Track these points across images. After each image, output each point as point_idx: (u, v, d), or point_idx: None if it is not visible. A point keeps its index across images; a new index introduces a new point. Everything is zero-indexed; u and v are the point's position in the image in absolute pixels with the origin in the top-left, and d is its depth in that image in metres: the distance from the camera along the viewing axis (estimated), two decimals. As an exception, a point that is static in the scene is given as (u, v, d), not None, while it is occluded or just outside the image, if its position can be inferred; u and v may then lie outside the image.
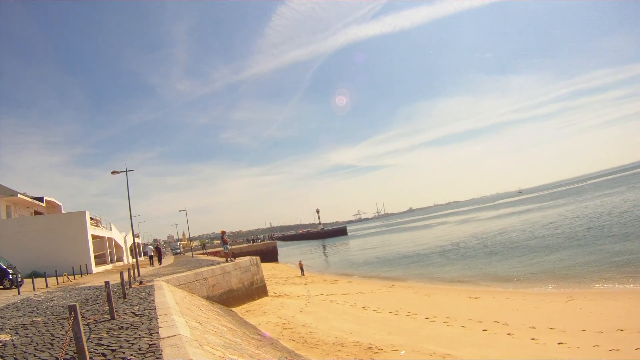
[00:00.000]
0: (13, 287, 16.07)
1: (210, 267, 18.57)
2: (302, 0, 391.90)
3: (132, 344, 5.70)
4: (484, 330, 13.18)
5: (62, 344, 5.60)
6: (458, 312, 16.03)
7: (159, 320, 7.42)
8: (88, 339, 6.28)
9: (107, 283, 7.95)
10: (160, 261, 34.91)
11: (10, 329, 7.94)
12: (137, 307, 9.22)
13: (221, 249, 61.15)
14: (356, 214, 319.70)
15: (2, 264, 17.72)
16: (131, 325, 7.26)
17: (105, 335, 6.67)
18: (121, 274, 11.27)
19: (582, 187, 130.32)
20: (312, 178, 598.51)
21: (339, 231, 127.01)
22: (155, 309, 8.79)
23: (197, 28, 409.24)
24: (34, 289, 15.90)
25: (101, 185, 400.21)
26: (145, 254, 50.69)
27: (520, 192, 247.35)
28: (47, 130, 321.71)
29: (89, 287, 15.98)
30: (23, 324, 8.44)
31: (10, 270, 17.56)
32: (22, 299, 13.09)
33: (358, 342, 12.26)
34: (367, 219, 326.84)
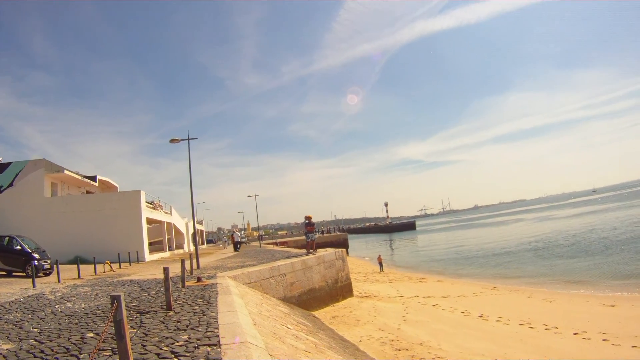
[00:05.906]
0: (40, 275, 12.58)
1: (289, 261, 14.07)
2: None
3: None
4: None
5: None
6: (604, 325, 12.08)
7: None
8: None
9: (116, 298, 3.26)
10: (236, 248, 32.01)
11: None
12: (186, 337, 4.46)
13: (286, 239, 58.09)
14: (421, 209, 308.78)
15: (26, 247, 14.23)
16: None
17: None
18: (165, 270, 6.63)
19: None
20: (379, 172, 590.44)
21: (407, 225, 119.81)
22: (219, 343, 4.11)
23: (265, 22, 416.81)
24: (59, 281, 12.15)
25: (169, 174, 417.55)
26: (229, 240, 48.61)
27: (594, 191, 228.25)
28: (117, 120, 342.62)
29: (131, 281, 11.87)
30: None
31: (36, 255, 14.10)
32: (31, 296, 9.17)
33: (516, 377, 8.61)
34: (432, 214, 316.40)
